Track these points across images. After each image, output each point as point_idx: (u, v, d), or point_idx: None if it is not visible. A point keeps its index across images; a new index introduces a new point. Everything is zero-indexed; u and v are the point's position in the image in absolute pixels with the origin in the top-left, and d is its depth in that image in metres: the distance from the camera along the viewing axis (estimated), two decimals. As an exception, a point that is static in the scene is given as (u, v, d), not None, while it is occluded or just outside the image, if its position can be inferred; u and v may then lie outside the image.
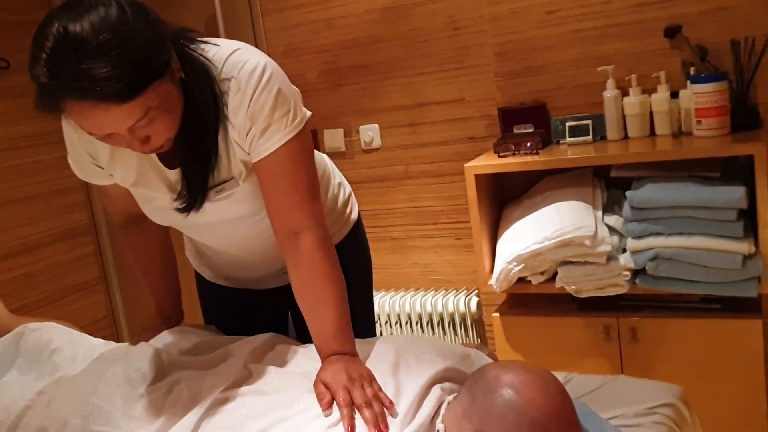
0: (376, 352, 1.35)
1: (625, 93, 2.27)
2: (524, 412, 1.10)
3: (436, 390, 1.23)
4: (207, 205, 1.34)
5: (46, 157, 3.05)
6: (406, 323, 2.71)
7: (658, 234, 2.06)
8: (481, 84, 2.58)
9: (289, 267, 1.34)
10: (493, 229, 2.41)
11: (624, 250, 2.14)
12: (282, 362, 1.38)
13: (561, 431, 1.10)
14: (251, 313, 1.66)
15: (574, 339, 2.24)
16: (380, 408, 1.16)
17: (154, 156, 1.33)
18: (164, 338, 1.55)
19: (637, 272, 2.13)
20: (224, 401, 1.27)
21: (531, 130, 2.45)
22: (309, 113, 1.34)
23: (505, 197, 2.51)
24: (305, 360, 1.38)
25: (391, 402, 1.17)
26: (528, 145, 2.30)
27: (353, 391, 1.18)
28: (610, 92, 2.27)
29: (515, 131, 2.48)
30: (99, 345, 1.65)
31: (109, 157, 1.35)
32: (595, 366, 2.21)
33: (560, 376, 1.50)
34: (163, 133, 1.21)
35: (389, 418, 1.16)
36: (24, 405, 1.37)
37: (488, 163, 2.30)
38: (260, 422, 1.19)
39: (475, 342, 2.62)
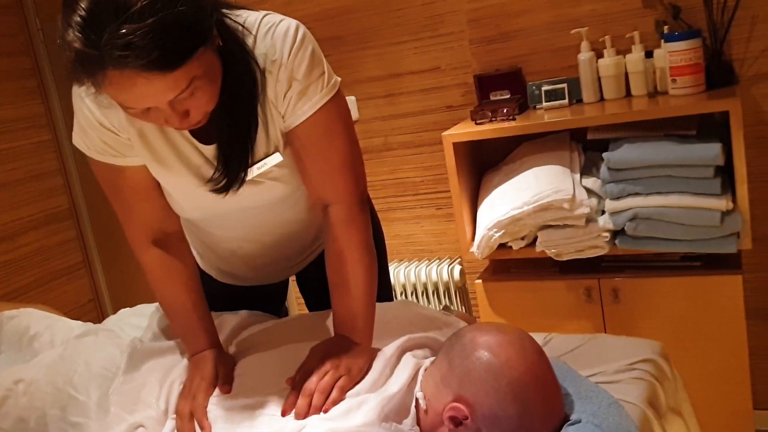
0: (328, 322, 1.35)
1: (599, 55, 2.25)
2: (502, 374, 1.10)
3: (408, 358, 1.24)
4: (244, 187, 1.25)
5: (23, 143, 3.01)
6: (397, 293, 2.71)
7: (636, 194, 2.06)
8: (456, 52, 2.56)
9: (323, 239, 1.32)
10: (473, 197, 2.40)
11: (603, 212, 2.14)
12: (254, 344, 1.37)
13: (540, 390, 1.11)
14: (246, 306, 1.63)
15: (557, 302, 2.25)
16: (320, 401, 1.14)
17: (186, 132, 1.22)
18: (136, 320, 1.54)
19: (617, 233, 2.14)
20: None
21: (507, 96, 2.44)
22: (339, 78, 1.27)
23: (484, 165, 2.50)
24: (280, 337, 1.37)
25: (327, 409, 1.14)
26: (504, 111, 2.29)
27: (312, 377, 1.18)
28: (584, 55, 2.26)
29: (492, 98, 2.47)
30: (77, 327, 1.64)
31: (137, 136, 1.23)
32: (578, 327, 2.22)
33: (540, 336, 1.51)
34: (204, 106, 1.11)
35: (363, 388, 1.16)
36: (1, 395, 1.36)
37: (466, 131, 2.29)
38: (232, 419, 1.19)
39: (460, 309, 2.63)
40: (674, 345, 2.06)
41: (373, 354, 1.25)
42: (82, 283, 3.38)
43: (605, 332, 2.20)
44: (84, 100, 1.20)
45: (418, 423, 1.17)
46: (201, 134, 1.22)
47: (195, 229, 1.47)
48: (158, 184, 1.30)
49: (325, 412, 1.13)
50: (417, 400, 1.18)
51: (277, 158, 1.25)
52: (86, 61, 0.99)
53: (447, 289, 2.62)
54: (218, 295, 1.58)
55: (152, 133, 1.23)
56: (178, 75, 1.02)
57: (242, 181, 1.24)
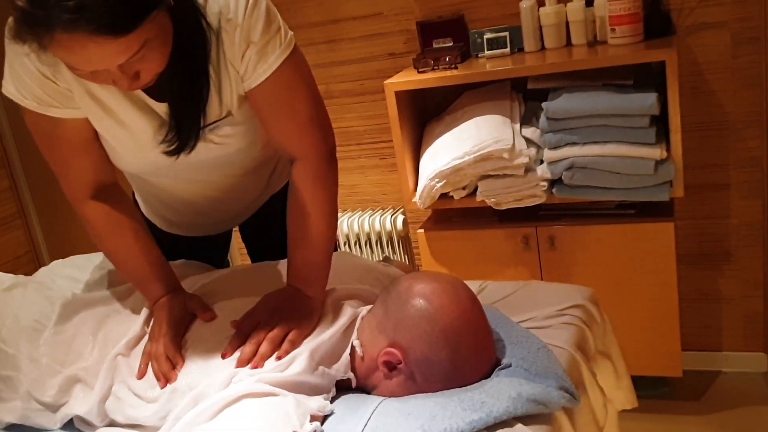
0: (279, 272, 1.34)
1: (541, 3, 2.25)
2: (436, 319, 1.12)
3: (346, 307, 1.25)
4: (199, 145, 1.23)
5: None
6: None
7: (574, 144, 2.09)
8: (398, -3, 2.52)
9: (289, 192, 1.30)
10: (416, 147, 2.40)
11: (541, 162, 2.17)
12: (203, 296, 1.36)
13: (472, 335, 1.13)
14: (189, 255, 1.60)
15: (496, 250, 2.29)
16: (268, 349, 1.13)
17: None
18: (69, 271, 1.51)
19: (554, 182, 2.17)
20: (134, 345, 1.27)
21: (450, 44, 2.42)
22: (292, 33, 1.24)
23: (427, 114, 2.49)
24: (226, 289, 1.36)
25: (280, 356, 1.13)
26: (447, 59, 2.27)
27: (262, 325, 1.17)
28: (526, 3, 2.25)
29: (434, 45, 2.45)
30: (6, 279, 1.59)
31: (83, 91, 1.18)
32: (516, 274, 2.27)
33: (476, 284, 1.54)
34: (155, 69, 1.07)
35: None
36: None
37: (408, 79, 2.27)
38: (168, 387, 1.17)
39: (402, 259, 2.65)
40: (608, 290, 2.13)
41: (322, 308, 1.25)
42: (17, 235, 3.28)
43: (542, 279, 2.25)
44: (28, 53, 1.12)
45: (354, 370, 1.19)
46: (153, 91, 1.18)
47: (139, 179, 1.44)
48: (97, 136, 1.25)
49: (278, 359, 1.12)
50: (353, 347, 1.19)
51: (230, 121, 1.23)
52: (31, 21, 0.95)
53: (390, 238, 2.64)
54: (160, 244, 1.54)
55: (100, 87, 1.17)
56: (131, 39, 0.98)
57: (194, 144, 1.22)
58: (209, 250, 1.65)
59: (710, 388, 2.42)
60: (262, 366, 1.12)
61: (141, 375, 1.20)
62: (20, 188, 3.25)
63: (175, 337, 1.22)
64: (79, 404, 1.22)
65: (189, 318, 1.26)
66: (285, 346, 1.15)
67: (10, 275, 1.58)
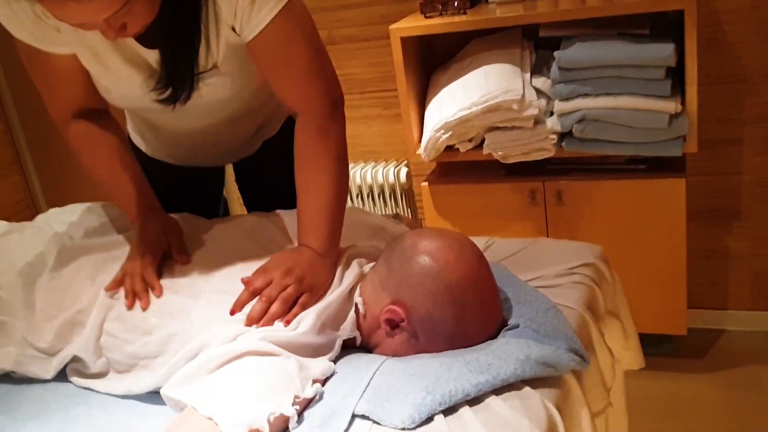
0: (284, 228, 1.30)
1: (555, -54, 2.15)
2: (440, 277, 1.07)
3: (354, 265, 1.20)
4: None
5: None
6: (336, 196, 2.66)
7: (586, 95, 2.01)
8: (405, -62, 2.41)
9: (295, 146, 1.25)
10: (421, 96, 2.33)
11: (551, 114, 2.10)
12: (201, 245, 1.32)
13: (478, 293, 1.09)
14: (185, 190, 1.57)
15: (501, 204, 2.24)
16: (280, 309, 1.10)
17: None
18: (66, 217, 1.46)
19: (564, 135, 2.11)
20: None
21: (459, -12, 2.32)
22: None
23: (434, 62, 2.41)
24: (212, 242, 1.32)
25: (289, 319, 1.09)
26: (455, 4, 2.18)
27: (274, 284, 1.13)
28: (539, -54, 2.15)
29: (442, -10, 2.35)
30: (2, 226, 1.55)
31: (73, 32, 1.15)
32: (522, 230, 2.23)
33: (482, 240, 1.49)
34: (142, 21, 1.04)
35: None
36: None
37: (414, 24, 2.18)
38: (166, 326, 1.14)
39: (405, 213, 2.60)
40: (615, 247, 2.09)
41: (335, 270, 1.21)
42: (14, 181, 3.23)
43: (548, 235, 2.21)
44: None
45: (359, 328, 1.15)
46: (143, 37, 1.14)
47: (131, 111, 1.43)
48: (86, 70, 1.22)
49: (287, 324, 1.08)
50: (356, 305, 1.15)
51: (216, 73, 1.19)
52: None
53: (393, 192, 2.58)
54: (153, 175, 1.51)
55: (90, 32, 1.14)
56: None
57: (189, 95, 1.18)
58: (202, 184, 1.63)
59: (714, 347, 2.40)
60: (270, 325, 1.08)
61: (129, 305, 1.16)
62: (15, 133, 3.19)
63: (153, 259, 1.20)
64: (74, 345, 1.19)
65: (166, 244, 1.25)
66: (295, 309, 1.11)
67: (5, 222, 1.53)
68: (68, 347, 1.20)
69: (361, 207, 2.64)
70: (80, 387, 1.20)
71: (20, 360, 1.22)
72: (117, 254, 1.30)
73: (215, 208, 1.71)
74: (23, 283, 1.27)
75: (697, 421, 2.08)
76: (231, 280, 1.16)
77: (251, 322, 1.08)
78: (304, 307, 1.11)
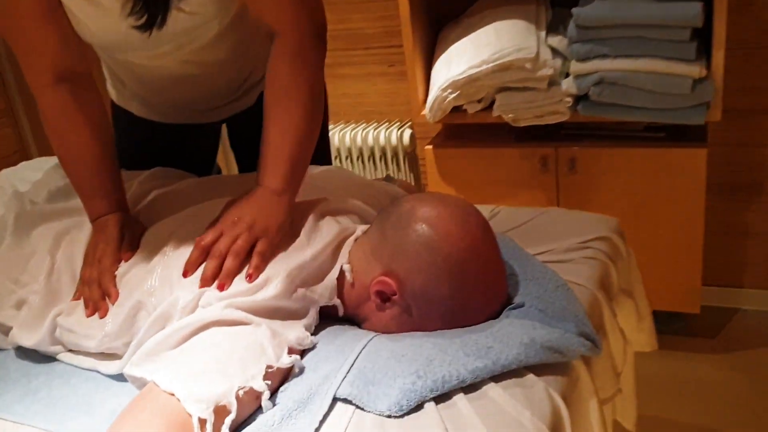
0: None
1: None
2: (439, 248, 0.96)
3: (330, 222, 1.08)
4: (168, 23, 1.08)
5: None
6: (335, 158, 2.54)
7: (604, 56, 1.88)
8: None
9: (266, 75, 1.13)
10: (428, 53, 2.20)
11: (567, 75, 1.97)
12: (166, 206, 1.21)
13: (480, 268, 0.97)
14: (177, 152, 1.47)
15: (510, 171, 2.13)
16: (233, 264, 0.99)
17: None
18: (33, 175, 1.35)
19: (580, 98, 1.99)
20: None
21: (472, -62, 2.18)
22: None
23: (443, 18, 2.28)
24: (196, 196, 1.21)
25: (251, 273, 0.99)
26: (467, -45, 2.04)
27: (223, 237, 1.02)
28: None
29: (455, -60, 2.21)
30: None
31: None
32: (531, 199, 2.12)
33: (487, 209, 1.38)
34: None
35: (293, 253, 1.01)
36: None
37: (423, -24, 2.05)
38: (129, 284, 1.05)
39: (407, 178, 2.49)
40: (629, 219, 1.99)
41: (295, 212, 1.09)
42: (6, 133, 3.13)
43: (559, 204, 2.10)
44: None
45: (342, 297, 1.04)
46: None
47: (112, 59, 1.31)
48: (61, 5, 1.09)
49: (250, 280, 0.98)
50: (342, 271, 1.03)
51: None
52: None
53: (395, 154, 2.47)
54: (144, 137, 1.42)
55: None
56: None
57: (164, 17, 1.06)
58: (194, 149, 1.53)
59: (727, 326, 2.29)
60: (229, 284, 0.97)
61: (88, 314, 1.06)
62: (7, 84, 3.09)
63: (111, 263, 1.08)
64: (26, 335, 1.08)
65: (127, 245, 1.13)
66: (254, 260, 0.99)
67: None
68: (18, 333, 1.09)
69: (360, 171, 2.53)
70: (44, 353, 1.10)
71: None
72: (81, 222, 1.19)
73: (207, 173, 1.60)
74: None
75: (707, 403, 1.99)
76: (190, 241, 1.05)
77: (205, 282, 0.98)
78: (262, 256, 1.00)
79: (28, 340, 1.07)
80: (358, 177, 1.28)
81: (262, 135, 1.10)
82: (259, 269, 0.99)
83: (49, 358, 1.09)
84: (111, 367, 1.03)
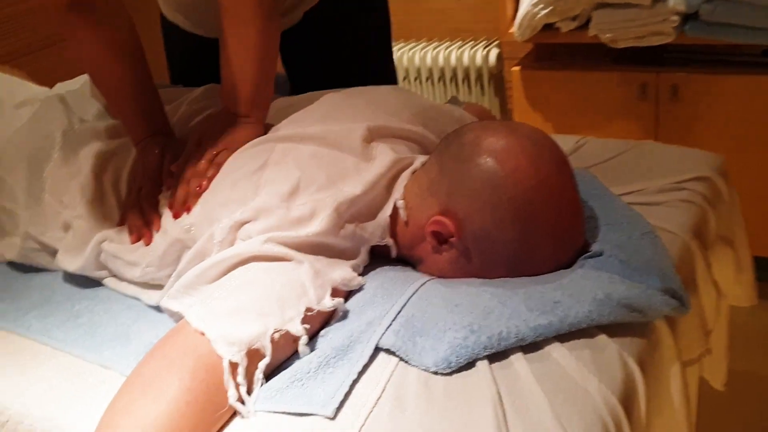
0: (302, 107, 1.08)
1: None
2: (504, 186, 0.84)
3: (383, 149, 0.97)
4: None
5: None
6: (416, 79, 2.41)
7: (722, -34, 1.67)
8: None
9: None
10: (521, -37, 2.02)
11: (676, -11, 1.77)
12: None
13: (552, 210, 0.85)
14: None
15: (605, 97, 1.97)
16: (193, 186, 0.97)
17: None
18: (86, 89, 1.29)
19: (688, 17, 1.79)
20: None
21: None
22: None
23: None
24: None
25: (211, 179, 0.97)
26: None
27: (190, 161, 1.01)
28: None
29: None
30: (39, 93, 1.41)
31: None
32: (626, 130, 1.96)
33: (572, 140, 1.24)
34: None
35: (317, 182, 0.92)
36: None
37: None
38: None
39: (492, 102, 2.33)
40: (734, 156, 1.80)
41: (263, 127, 1.05)
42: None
43: (656, 138, 1.93)
44: None
45: (395, 236, 0.94)
46: None
47: None
48: None
49: (200, 189, 0.97)
50: (396, 208, 0.93)
51: None
52: None
53: (479, 76, 2.32)
54: (192, 53, 1.39)
55: None
56: None
57: None
58: None
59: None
60: (191, 208, 0.96)
61: (133, 241, 1.02)
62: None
63: (151, 188, 1.04)
64: (70, 259, 1.04)
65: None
66: (211, 171, 0.98)
67: (29, 87, 1.39)
68: (62, 258, 1.07)
69: (440, 94, 2.39)
70: (90, 277, 1.07)
71: (23, 253, 1.11)
72: (128, 143, 1.15)
73: None
74: (28, 167, 1.13)
75: (809, 362, 1.82)
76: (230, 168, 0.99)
77: (176, 212, 0.97)
78: (219, 165, 0.99)
79: (72, 265, 1.04)
80: (420, 98, 1.15)
81: (220, 57, 1.06)
82: (211, 179, 0.98)
83: (94, 283, 1.06)
84: (153, 297, 0.98)
